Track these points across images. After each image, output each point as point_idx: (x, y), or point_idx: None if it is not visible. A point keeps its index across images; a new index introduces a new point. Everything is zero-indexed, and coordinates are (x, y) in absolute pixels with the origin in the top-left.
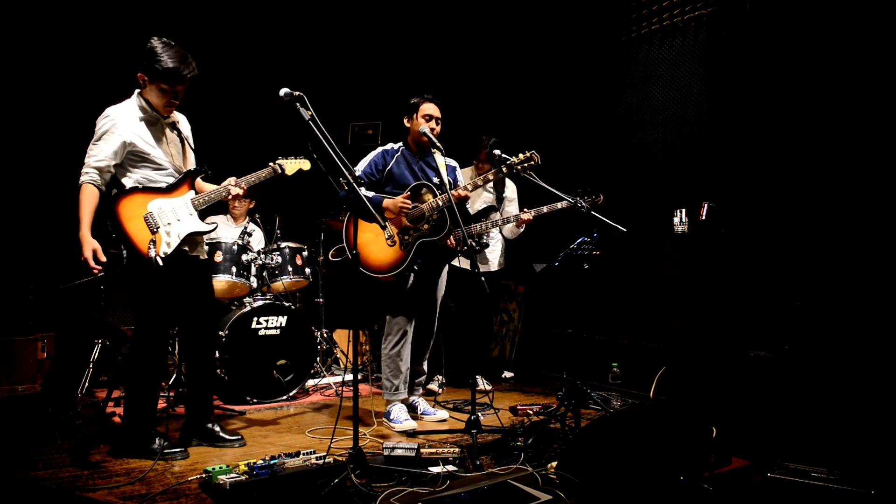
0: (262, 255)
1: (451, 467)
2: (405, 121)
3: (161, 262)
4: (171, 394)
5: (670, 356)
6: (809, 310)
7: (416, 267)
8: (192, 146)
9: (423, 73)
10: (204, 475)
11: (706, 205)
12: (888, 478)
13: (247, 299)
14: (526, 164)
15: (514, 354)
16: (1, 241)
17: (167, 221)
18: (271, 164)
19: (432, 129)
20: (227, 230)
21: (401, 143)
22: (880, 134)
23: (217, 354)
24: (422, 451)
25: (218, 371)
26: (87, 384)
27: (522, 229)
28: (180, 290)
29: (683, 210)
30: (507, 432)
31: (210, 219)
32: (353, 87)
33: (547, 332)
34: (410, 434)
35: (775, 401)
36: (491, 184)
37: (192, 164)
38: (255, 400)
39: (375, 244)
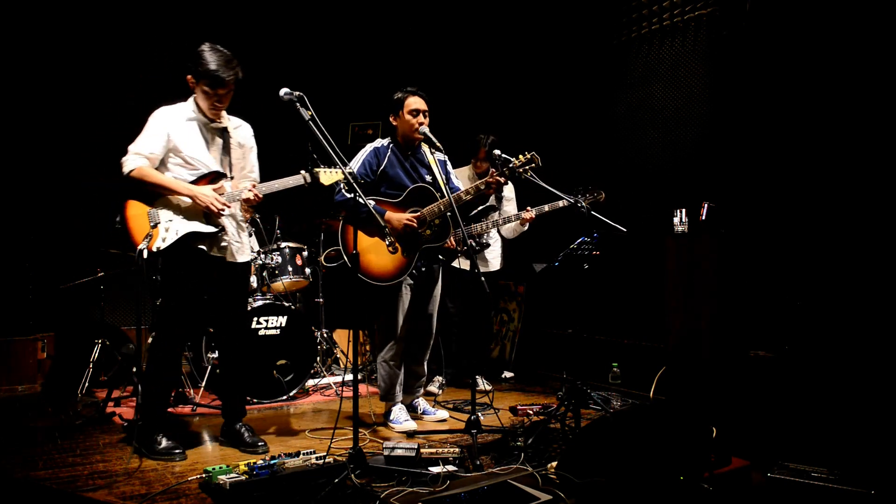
0: (262, 255)
1: (451, 467)
2: (391, 119)
3: (146, 256)
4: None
5: (670, 356)
6: (809, 310)
7: (415, 272)
8: (247, 155)
9: (422, 72)
10: (204, 475)
11: (706, 205)
12: (888, 478)
13: None
14: (527, 167)
15: (514, 354)
16: (1, 241)
17: (168, 218)
18: (302, 171)
19: (421, 124)
20: None
21: (389, 140)
22: (880, 134)
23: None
24: (422, 451)
25: (218, 371)
26: (87, 384)
27: (526, 227)
28: (203, 290)
29: (683, 210)
30: (507, 432)
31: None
32: (353, 87)
33: (547, 332)
34: (410, 434)
35: (775, 401)
36: None
37: (238, 171)
38: (255, 400)
39: (376, 250)
